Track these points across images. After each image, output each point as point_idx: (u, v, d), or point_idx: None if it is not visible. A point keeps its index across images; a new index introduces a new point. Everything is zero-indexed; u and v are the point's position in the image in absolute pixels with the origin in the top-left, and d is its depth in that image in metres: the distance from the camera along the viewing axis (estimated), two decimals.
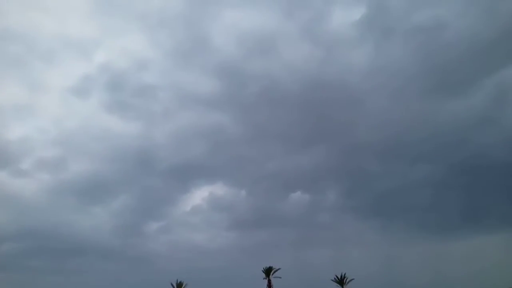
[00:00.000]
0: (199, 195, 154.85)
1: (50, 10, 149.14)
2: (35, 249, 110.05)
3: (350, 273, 65.06)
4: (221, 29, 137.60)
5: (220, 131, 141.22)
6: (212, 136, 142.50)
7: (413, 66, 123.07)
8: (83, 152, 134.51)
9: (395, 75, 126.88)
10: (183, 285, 60.07)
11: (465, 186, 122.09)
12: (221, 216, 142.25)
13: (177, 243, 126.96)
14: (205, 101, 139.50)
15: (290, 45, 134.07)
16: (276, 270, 61.93)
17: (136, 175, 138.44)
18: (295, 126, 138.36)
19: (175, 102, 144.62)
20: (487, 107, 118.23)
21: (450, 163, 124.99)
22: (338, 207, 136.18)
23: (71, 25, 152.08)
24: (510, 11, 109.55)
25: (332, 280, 63.89)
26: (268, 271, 61.92)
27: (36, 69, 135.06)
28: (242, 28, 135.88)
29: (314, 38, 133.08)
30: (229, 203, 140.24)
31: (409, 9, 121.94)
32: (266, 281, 61.87)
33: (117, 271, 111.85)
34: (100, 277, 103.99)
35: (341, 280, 63.37)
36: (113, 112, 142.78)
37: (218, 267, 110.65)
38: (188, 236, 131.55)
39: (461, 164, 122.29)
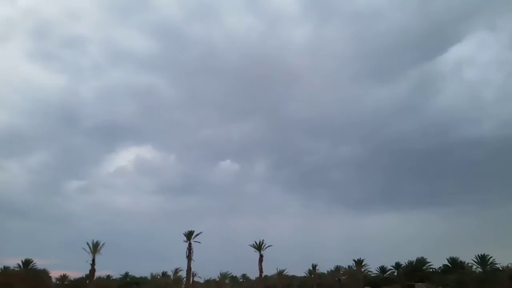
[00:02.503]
0: (125, 157, 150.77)
1: None
2: None
3: (272, 241, 68.31)
4: None
5: (153, 94, 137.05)
6: (144, 98, 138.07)
7: (348, 50, 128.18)
8: None
9: (330, 56, 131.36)
10: (100, 246, 58.73)
11: (383, 167, 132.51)
12: (147, 180, 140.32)
13: (99, 204, 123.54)
14: (139, 60, 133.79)
15: (233, 14, 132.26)
16: (198, 234, 62.70)
17: (57, 130, 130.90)
18: (231, 96, 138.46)
19: (106, 58, 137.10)
20: (409, 96, 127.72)
21: (371, 145, 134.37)
22: (265, 178, 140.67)
23: None
24: (438, 11, 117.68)
25: (251, 246, 66.64)
26: (189, 235, 62.54)
27: None
28: None
29: (258, 10, 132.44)
30: (157, 167, 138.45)
31: None
32: (187, 244, 62.57)
33: (32, 230, 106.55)
34: (12, 235, 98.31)
35: (259, 246, 66.24)
36: (36, 62, 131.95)
37: (141, 230, 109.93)
38: (110, 198, 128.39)
39: (381, 147, 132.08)
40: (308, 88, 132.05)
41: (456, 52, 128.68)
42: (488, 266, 67.86)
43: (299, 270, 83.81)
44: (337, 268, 79.76)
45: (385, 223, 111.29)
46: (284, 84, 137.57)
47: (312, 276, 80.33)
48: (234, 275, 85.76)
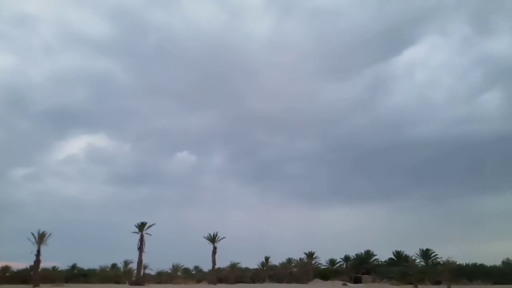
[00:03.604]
0: (76, 144, 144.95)
1: None
2: None
3: (227, 234, 68.63)
4: None
5: (108, 79, 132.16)
6: (99, 83, 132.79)
7: (308, 46, 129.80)
8: None
9: (290, 52, 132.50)
10: (46, 236, 56.20)
11: (336, 162, 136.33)
12: (99, 169, 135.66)
13: (47, 193, 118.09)
14: (94, 44, 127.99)
15: (195, 2, 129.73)
16: (150, 226, 61.69)
17: (3, 114, 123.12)
18: (190, 86, 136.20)
19: (58, 40, 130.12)
20: (363, 94, 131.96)
21: (326, 140, 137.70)
22: (222, 171, 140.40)
23: None
24: (395, 13, 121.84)
25: (205, 238, 66.59)
26: (141, 227, 61.36)
27: None
28: None
29: (220, 0, 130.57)
30: (110, 156, 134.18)
31: None
32: (138, 236, 61.40)
33: None
34: None
35: (213, 238, 66.30)
36: None
37: (90, 220, 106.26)
38: (59, 186, 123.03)
39: (336, 142, 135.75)
40: (268, 82, 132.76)
41: (410, 54, 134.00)
42: (430, 260, 72.09)
43: (252, 262, 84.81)
44: (289, 260, 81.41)
45: (336, 217, 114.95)
46: (245, 76, 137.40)
47: (265, 268, 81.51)
48: (186, 267, 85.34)
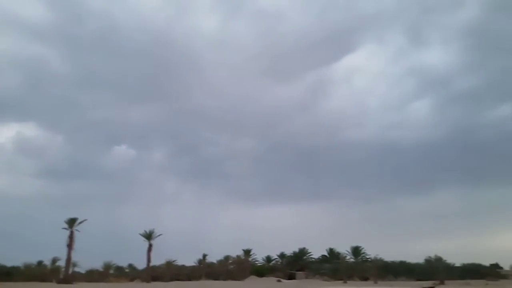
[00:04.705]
0: (3, 133, 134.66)
1: None
2: None
3: (165, 231, 67.19)
4: None
5: (41, 66, 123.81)
6: (32, 70, 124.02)
7: (254, 47, 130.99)
8: None
9: (237, 51, 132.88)
10: None
11: (276, 162, 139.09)
12: (28, 161, 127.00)
13: None
14: (28, 28, 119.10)
15: None
16: (82, 222, 58.75)
17: None
18: (131, 77, 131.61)
19: None
20: (304, 97, 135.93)
21: (267, 140, 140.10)
22: (163, 167, 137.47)
23: None
24: (336, 19, 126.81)
25: (140, 234, 64.83)
26: (71, 222, 58.24)
27: None
28: None
29: None
30: (41, 147, 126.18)
31: None
32: (68, 232, 58.26)
33: None
34: None
35: (149, 235, 64.74)
36: None
37: (17, 215, 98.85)
38: None
39: (276, 142, 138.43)
40: (215, 79, 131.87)
41: (349, 61, 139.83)
42: (360, 257, 75.97)
43: (189, 260, 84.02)
44: (226, 258, 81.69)
45: (273, 215, 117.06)
46: (190, 72, 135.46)
47: (201, 265, 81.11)
48: (120, 265, 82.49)
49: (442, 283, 52.74)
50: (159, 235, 64.94)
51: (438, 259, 64.60)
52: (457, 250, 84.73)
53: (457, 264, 79.87)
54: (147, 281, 63.37)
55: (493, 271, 78.27)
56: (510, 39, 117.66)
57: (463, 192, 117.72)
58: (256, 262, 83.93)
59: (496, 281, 59.35)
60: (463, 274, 73.21)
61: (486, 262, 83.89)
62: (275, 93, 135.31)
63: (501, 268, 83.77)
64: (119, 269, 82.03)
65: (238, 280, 69.11)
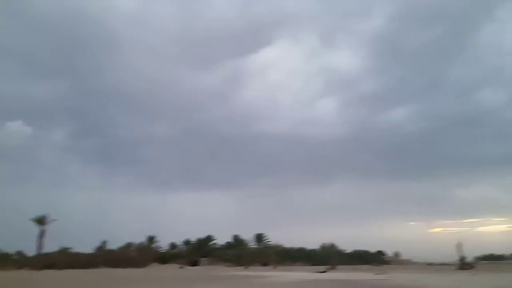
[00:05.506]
0: None
1: None
2: None
3: (63, 216, 62.90)
4: None
5: None
6: None
7: (175, 30, 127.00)
8: None
9: (157, 33, 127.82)
10: None
11: (190, 148, 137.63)
12: None
13: None
14: None
15: None
16: None
17: None
18: (37, 49, 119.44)
19: None
20: (222, 86, 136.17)
21: (183, 126, 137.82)
22: (64, 147, 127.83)
23: None
24: (259, 12, 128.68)
25: (31, 220, 59.83)
26: None
27: None
28: None
29: None
30: None
31: None
32: None
33: None
34: None
35: (41, 220, 60.01)
36: None
37: None
38: None
39: (192, 129, 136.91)
40: (132, 60, 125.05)
41: (265, 54, 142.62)
42: (262, 243, 79.15)
43: (88, 247, 79.62)
44: (128, 245, 79.12)
45: (184, 202, 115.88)
46: (106, 49, 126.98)
47: (100, 253, 77.46)
48: (6, 252, 75.07)
49: (333, 268, 57.10)
50: (53, 220, 60.67)
51: (332, 246, 69.90)
52: (349, 238, 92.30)
53: (348, 251, 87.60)
54: (37, 269, 58.75)
55: (378, 257, 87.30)
56: (408, 49, 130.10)
57: (355, 185, 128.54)
58: (160, 249, 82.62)
59: (380, 266, 66.01)
60: (353, 259, 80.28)
61: (373, 249, 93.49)
62: (194, 79, 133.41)
63: (385, 254, 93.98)
64: (4, 256, 74.60)
65: (140, 267, 67.41)
